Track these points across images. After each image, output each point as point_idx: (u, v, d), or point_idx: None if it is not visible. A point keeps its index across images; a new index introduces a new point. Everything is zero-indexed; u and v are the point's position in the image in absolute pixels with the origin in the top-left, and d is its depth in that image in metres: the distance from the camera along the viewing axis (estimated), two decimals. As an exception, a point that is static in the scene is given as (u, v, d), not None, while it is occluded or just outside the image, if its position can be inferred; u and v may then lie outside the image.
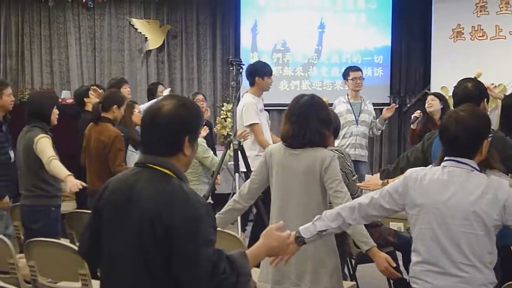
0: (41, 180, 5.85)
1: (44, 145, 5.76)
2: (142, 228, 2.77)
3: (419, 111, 8.03)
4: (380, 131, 8.53)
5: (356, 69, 8.84)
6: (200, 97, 9.09)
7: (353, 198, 5.24)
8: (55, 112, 6.02)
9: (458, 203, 3.42)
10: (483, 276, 3.41)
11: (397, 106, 9.49)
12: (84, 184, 5.81)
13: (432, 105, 7.77)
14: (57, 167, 5.79)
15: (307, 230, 3.72)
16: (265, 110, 7.80)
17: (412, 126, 8.07)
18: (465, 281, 3.41)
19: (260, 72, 7.29)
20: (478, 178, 3.45)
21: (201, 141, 6.97)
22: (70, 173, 5.76)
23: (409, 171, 3.68)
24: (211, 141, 7.89)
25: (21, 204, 5.97)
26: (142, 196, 2.82)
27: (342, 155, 5.34)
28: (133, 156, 7.07)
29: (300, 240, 3.71)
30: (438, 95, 8.14)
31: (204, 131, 7.42)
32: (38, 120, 5.88)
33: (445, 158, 3.56)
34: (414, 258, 3.61)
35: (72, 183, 5.65)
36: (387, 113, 8.23)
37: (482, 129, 3.54)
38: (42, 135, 5.78)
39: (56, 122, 6.05)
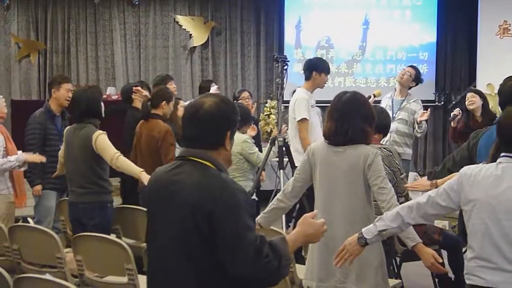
0: (97, 177, 5.85)
1: (105, 142, 5.76)
2: (184, 218, 2.85)
3: (458, 109, 7.89)
4: (421, 134, 8.33)
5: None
6: (245, 94, 9.11)
7: (401, 197, 5.26)
8: (103, 106, 6.06)
9: (510, 198, 3.41)
10: None
11: (442, 103, 9.36)
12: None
13: (474, 102, 7.65)
14: (126, 163, 5.85)
15: (369, 231, 3.77)
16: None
17: (452, 124, 7.95)
18: None
19: (318, 67, 7.24)
20: None
21: (247, 137, 6.99)
22: (141, 169, 5.85)
23: (464, 168, 3.68)
24: (257, 138, 7.88)
25: (74, 201, 5.93)
26: (184, 187, 2.90)
27: (391, 153, 5.29)
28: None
29: (363, 241, 3.76)
30: (477, 92, 8.04)
31: (253, 131, 7.40)
32: (90, 117, 5.88)
33: (501, 154, 3.56)
34: (468, 254, 3.61)
35: (144, 179, 5.72)
36: (421, 117, 8.08)
37: None
38: (99, 131, 5.78)
39: (104, 114, 6.08)
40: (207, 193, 2.83)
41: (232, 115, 3.04)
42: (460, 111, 7.84)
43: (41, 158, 6.34)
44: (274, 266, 2.84)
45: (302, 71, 7.44)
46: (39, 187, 6.79)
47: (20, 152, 6.33)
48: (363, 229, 3.79)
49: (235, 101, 8.99)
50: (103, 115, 6.02)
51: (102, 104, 6.05)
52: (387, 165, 5.16)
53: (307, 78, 7.25)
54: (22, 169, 6.34)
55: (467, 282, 3.60)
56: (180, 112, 7.33)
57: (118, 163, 5.75)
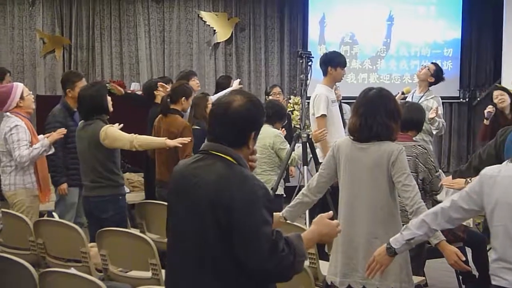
0: (108, 171, 5.90)
1: (115, 132, 5.82)
2: (204, 211, 2.88)
3: (491, 106, 7.79)
4: (437, 131, 8.23)
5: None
6: (277, 89, 9.12)
7: (435, 195, 5.23)
8: (109, 99, 6.08)
9: None
10: None
11: (466, 100, 9.27)
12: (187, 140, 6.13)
13: (504, 100, 7.59)
14: (146, 140, 6.03)
15: (396, 240, 3.78)
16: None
17: (485, 122, 7.85)
18: None
19: (333, 62, 7.19)
20: None
21: (279, 132, 7.01)
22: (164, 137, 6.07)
23: (485, 169, 3.64)
24: (289, 133, 7.86)
25: (87, 195, 6.01)
26: (204, 180, 2.92)
27: (426, 151, 5.24)
28: None
29: (391, 251, 3.78)
30: (504, 89, 7.97)
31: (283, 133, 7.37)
32: (96, 113, 5.92)
33: None
34: (492, 255, 3.59)
35: (175, 142, 6.02)
36: (431, 115, 7.98)
37: None
38: (105, 126, 5.83)
39: (112, 109, 6.10)
40: (227, 187, 2.86)
41: (259, 117, 3.08)
42: (494, 108, 7.74)
43: (62, 131, 6.36)
44: (288, 261, 2.87)
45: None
46: (64, 185, 6.80)
47: (41, 136, 6.37)
48: (390, 239, 3.80)
49: (266, 97, 9.03)
50: (111, 109, 6.06)
51: (109, 98, 6.07)
52: (422, 163, 5.13)
53: (324, 73, 7.22)
54: (49, 152, 6.38)
55: (492, 282, 3.58)
56: (209, 108, 7.33)
57: (138, 143, 5.85)
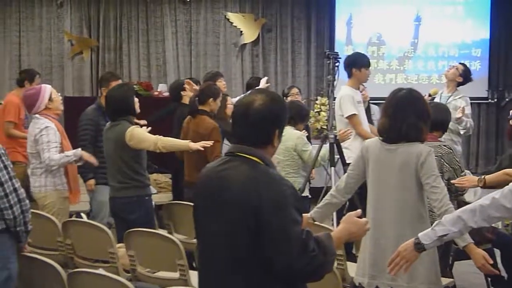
0: (134, 172, 5.93)
1: (140, 133, 5.84)
2: (232, 213, 2.88)
3: None
4: (464, 131, 8.18)
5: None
6: (295, 90, 9.10)
7: (461, 195, 5.19)
8: (136, 101, 6.10)
9: None
10: None
11: (495, 100, 9.20)
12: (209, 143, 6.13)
13: None
14: (170, 142, 6.03)
15: (427, 236, 3.64)
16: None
17: (510, 122, 7.80)
18: None
19: (357, 64, 7.18)
20: None
21: (301, 134, 6.98)
22: (188, 140, 6.11)
23: None
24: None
25: (113, 196, 6.04)
26: (232, 182, 2.92)
27: (451, 151, 5.22)
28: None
29: (420, 247, 3.63)
30: None
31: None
32: (123, 114, 5.95)
33: None
34: None
35: (198, 145, 6.01)
36: (457, 114, 7.93)
37: None
38: (132, 127, 5.85)
39: (139, 110, 6.13)
40: (255, 188, 2.85)
41: (281, 114, 3.07)
42: None
43: (94, 161, 6.39)
44: (319, 261, 2.86)
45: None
46: (92, 181, 6.87)
47: (78, 150, 6.40)
48: (420, 234, 3.67)
49: (284, 98, 9.00)
50: (138, 110, 6.08)
51: (136, 99, 6.09)
52: (448, 162, 5.10)
53: (349, 75, 7.22)
54: (79, 163, 6.42)
55: None
56: (229, 109, 7.35)
57: (162, 144, 5.87)
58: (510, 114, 7.77)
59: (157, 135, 5.92)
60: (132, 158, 5.90)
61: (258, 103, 2.99)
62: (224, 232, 2.91)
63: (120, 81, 7.11)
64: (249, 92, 3.23)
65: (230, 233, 2.89)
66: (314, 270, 2.87)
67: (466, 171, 5.41)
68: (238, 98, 7.88)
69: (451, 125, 7.92)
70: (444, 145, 5.25)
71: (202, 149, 6.07)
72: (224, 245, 2.92)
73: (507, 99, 12.96)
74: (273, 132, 3.01)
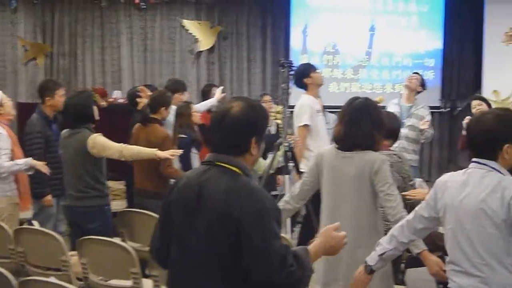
0: (95, 181, 5.88)
1: (104, 141, 5.80)
2: (212, 224, 2.86)
3: (469, 117, 7.83)
4: (425, 140, 8.34)
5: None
6: (267, 97, 9.20)
7: (410, 204, 5.26)
8: (95, 108, 6.05)
9: (470, 202, 3.44)
10: (501, 277, 3.40)
11: (448, 110, 9.31)
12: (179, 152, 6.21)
13: (481, 110, 7.64)
14: (136, 150, 6.01)
15: (371, 257, 3.87)
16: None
17: (464, 132, 7.88)
18: (483, 281, 3.41)
19: (305, 73, 7.23)
20: (492, 177, 3.44)
21: None
22: (155, 149, 6.07)
23: (441, 177, 3.73)
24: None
25: (72, 205, 5.97)
26: (212, 192, 2.90)
27: (400, 160, 5.28)
28: (197, 157, 7.12)
29: (368, 269, 3.86)
30: (482, 99, 8.05)
31: None
32: (84, 122, 5.89)
33: (472, 160, 3.58)
34: (446, 258, 3.66)
35: (168, 153, 6.06)
36: (422, 125, 8.07)
37: (501, 132, 3.49)
38: (94, 135, 5.80)
39: (98, 117, 6.07)
40: (236, 200, 2.84)
41: (259, 122, 3.04)
42: None
43: (46, 170, 6.29)
44: (297, 276, 2.85)
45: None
46: (49, 197, 6.75)
47: (29, 159, 6.29)
48: (367, 258, 3.87)
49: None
50: (98, 117, 6.03)
51: (95, 107, 6.05)
52: (397, 171, 5.15)
53: (304, 87, 7.26)
54: (29, 172, 6.33)
55: (448, 286, 3.64)
56: (194, 117, 7.34)
57: (128, 152, 5.85)
58: (464, 124, 7.84)
59: (121, 143, 5.88)
60: (94, 166, 5.85)
61: (235, 110, 2.97)
62: (203, 242, 2.89)
63: (63, 89, 6.98)
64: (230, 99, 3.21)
65: (209, 243, 2.87)
66: (291, 284, 2.85)
67: (417, 179, 5.48)
68: (200, 105, 7.95)
69: (415, 135, 8.07)
70: (394, 154, 5.32)
71: (172, 157, 6.06)
72: (204, 254, 2.89)
73: (459, 109, 13.11)
74: (250, 140, 2.98)
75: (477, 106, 7.73)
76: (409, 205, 5.27)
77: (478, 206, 3.40)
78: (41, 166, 6.23)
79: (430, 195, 3.70)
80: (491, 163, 3.48)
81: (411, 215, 3.79)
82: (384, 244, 3.83)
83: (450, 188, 3.56)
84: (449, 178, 3.62)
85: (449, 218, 3.55)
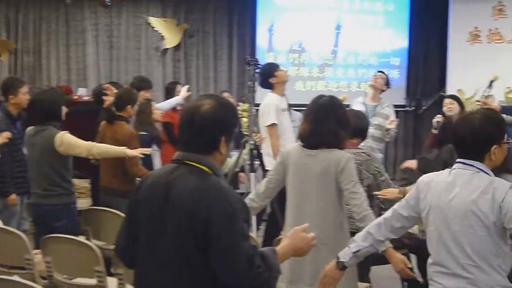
0: (62, 179, 5.83)
1: (72, 140, 5.75)
2: (181, 222, 2.83)
3: (440, 116, 7.84)
4: (389, 139, 8.41)
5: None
6: (226, 94, 9.17)
7: (384, 211, 5.29)
8: (64, 109, 6.00)
9: (458, 203, 3.43)
10: (489, 278, 3.39)
11: (412, 108, 9.38)
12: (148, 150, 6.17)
13: (452, 108, 7.66)
14: (105, 148, 5.99)
15: (344, 253, 3.83)
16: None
17: (433, 131, 7.90)
18: (472, 282, 3.41)
19: (269, 72, 7.24)
20: (480, 179, 3.44)
21: None
22: (123, 147, 6.02)
23: (423, 176, 3.72)
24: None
25: (38, 203, 5.91)
26: (180, 191, 2.87)
27: (369, 158, 5.30)
28: (157, 155, 7.09)
29: (340, 265, 3.82)
30: (454, 97, 8.07)
31: None
32: (51, 119, 5.84)
33: (456, 160, 3.56)
34: (429, 260, 3.64)
35: (137, 152, 6.04)
36: (389, 125, 8.11)
37: (490, 133, 3.49)
38: (61, 132, 5.75)
39: (64, 118, 6.02)
40: (204, 199, 2.80)
41: (229, 120, 3.01)
42: (443, 117, 7.81)
43: (7, 135, 6.21)
44: (264, 278, 2.83)
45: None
46: (14, 196, 6.67)
47: None
48: (340, 253, 3.83)
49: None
50: (69, 115, 5.99)
51: (63, 107, 6.00)
52: (366, 169, 5.18)
53: (270, 87, 7.26)
54: None
55: (429, 287, 3.63)
56: (155, 114, 7.32)
57: (96, 150, 5.82)
58: (435, 123, 7.85)
59: (90, 142, 5.84)
60: (61, 164, 5.80)
61: (205, 108, 2.93)
62: (172, 241, 2.86)
63: (26, 86, 6.89)
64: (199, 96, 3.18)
65: (178, 242, 2.84)
66: (259, 286, 2.83)
67: (385, 174, 5.50)
68: (162, 103, 7.92)
69: (377, 133, 8.10)
70: (363, 152, 5.34)
71: (142, 156, 6.04)
72: (173, 253, 2.86)
73: (424, 107, 13.22)
74: (219, 138, 2.94)
75: (448, 105, 7.75)
76: (377, 205, 5.33)
77: (467, 207, 3.38)
78: (1, 138, 6.15)
79: (411, 194, 3.68)
80: (477, 164, 3.47)
81: (389, 213, 3.76)
82: (359, 242, 3.80)
83: (434, 189, 3.54)
84: (432, 178, 3.60)
85: (433, 219, 3.53)
